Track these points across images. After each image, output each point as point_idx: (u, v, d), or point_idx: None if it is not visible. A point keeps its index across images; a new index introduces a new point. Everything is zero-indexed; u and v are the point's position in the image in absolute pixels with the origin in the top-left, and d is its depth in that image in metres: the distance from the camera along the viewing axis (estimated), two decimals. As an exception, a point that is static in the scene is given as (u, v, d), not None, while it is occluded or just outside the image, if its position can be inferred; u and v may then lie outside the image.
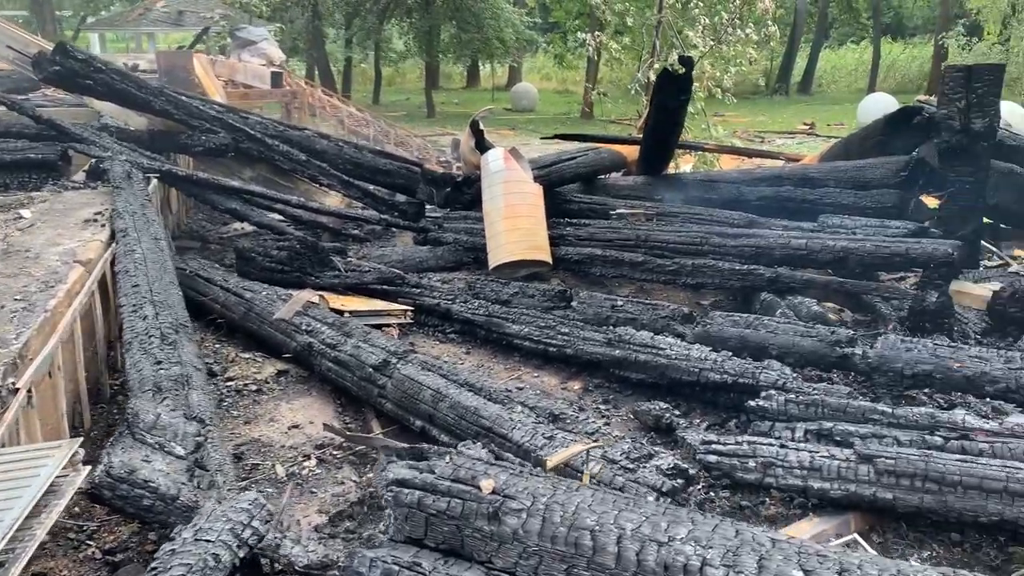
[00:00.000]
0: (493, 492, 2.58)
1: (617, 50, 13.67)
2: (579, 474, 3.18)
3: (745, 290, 6.29)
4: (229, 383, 4.85)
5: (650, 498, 2.87)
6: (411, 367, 4.28)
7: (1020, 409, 4.09)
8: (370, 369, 4.40)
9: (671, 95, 7.67)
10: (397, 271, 6.46)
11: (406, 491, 2.65)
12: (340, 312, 5.65)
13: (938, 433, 3.41)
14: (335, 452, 4.07)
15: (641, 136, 8.97)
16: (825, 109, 31.31)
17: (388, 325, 5.79)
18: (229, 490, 3.11)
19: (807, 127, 25.31)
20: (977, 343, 5.73)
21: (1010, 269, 6.70)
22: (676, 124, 8.08)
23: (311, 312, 5.25)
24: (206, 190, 7.94)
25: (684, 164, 12.97)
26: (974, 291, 6.32)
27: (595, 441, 3.38)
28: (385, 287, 6.30)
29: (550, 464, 2.95)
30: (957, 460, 3.08)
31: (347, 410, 4.65)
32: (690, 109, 12.50)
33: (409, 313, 5.94)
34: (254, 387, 4.80)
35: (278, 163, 8.99)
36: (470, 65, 41.27)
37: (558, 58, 33.68)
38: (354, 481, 3.82)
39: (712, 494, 3.61)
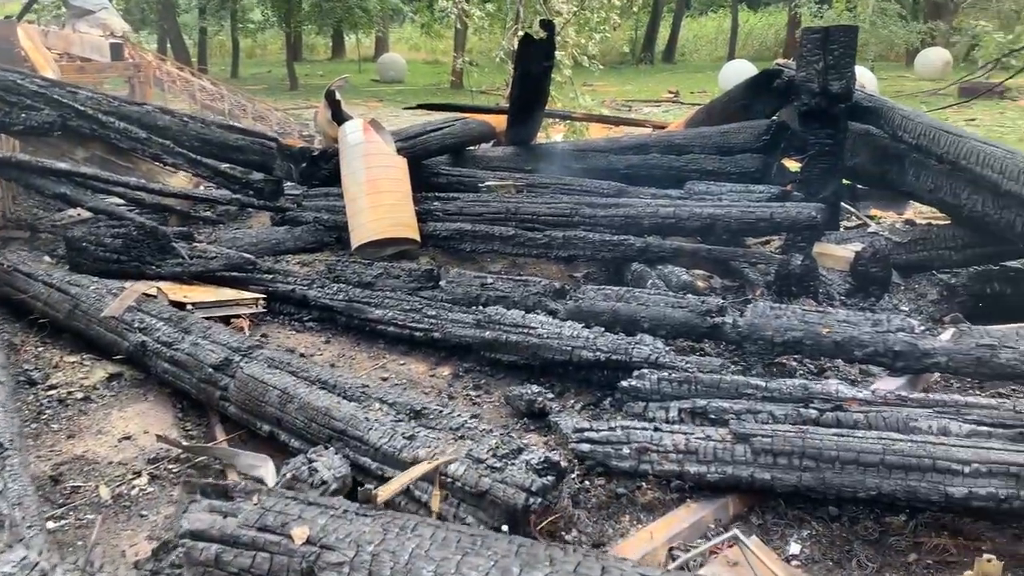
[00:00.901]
0: (307, 542, 2.18)
1: (480, 18, 13.32)
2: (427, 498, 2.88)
3: (616, 261, 6.15)
4: (51, 392, 4.29)
5: (504, 528, 2.60)
6: (256, 365, 3.86)
7: (887, 372, 4.08)
8: (210, 369, 3.95)
9: (534, 61, 7.41)
10: (248, 256, 5.95)
11: (201, 545, 2.25)
12: (182, 305, 5.13)
13: (812, 405, 3.31)
14: (171, 466, 3.62)
15: (508, 105, 8.68)
16: (688, 77, 32.07)
17: (238, 316, 5.32)
18: (30, 528, 2.64)
19: (672, 95, 25.81)
20: (842, 304, 5.81)
21: (869, 229, 6.83)
22: (541, 91, 7.83)
23: (146, 307, 4.72)
24: (29, 174, 7.12)
25: (554, 134, 12.83)
26: (836, 252, 6.40)
27: (457, 442, 3.09)
28: (234, 274, 5.79)
29: (381, 498, 2.61)
30: (833, 435, 2.97)
31: (189, 416, 4.18)
32: (557, 78, 12.37)
33: (261, 302, 5.48)
34: (80, 395, 4.26)
35: (115, 142, 8.20)
36: (334, 35, 39.98)
37: (425, 27, 32.98)
38: (193, 498, 3.39)
39: (587, 483, 3.41)
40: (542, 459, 2.98)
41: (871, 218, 8.41)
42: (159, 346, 4.32)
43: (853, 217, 8.28)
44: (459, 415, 3.33)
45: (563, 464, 3.09)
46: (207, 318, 5.15)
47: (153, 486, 3.49)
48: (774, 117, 7.63)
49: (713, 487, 3.09)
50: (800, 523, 3.13)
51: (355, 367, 4.80)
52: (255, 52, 45.28)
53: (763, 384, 3.48)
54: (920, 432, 3.12)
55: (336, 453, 3.28)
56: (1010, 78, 13.04)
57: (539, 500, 2.76)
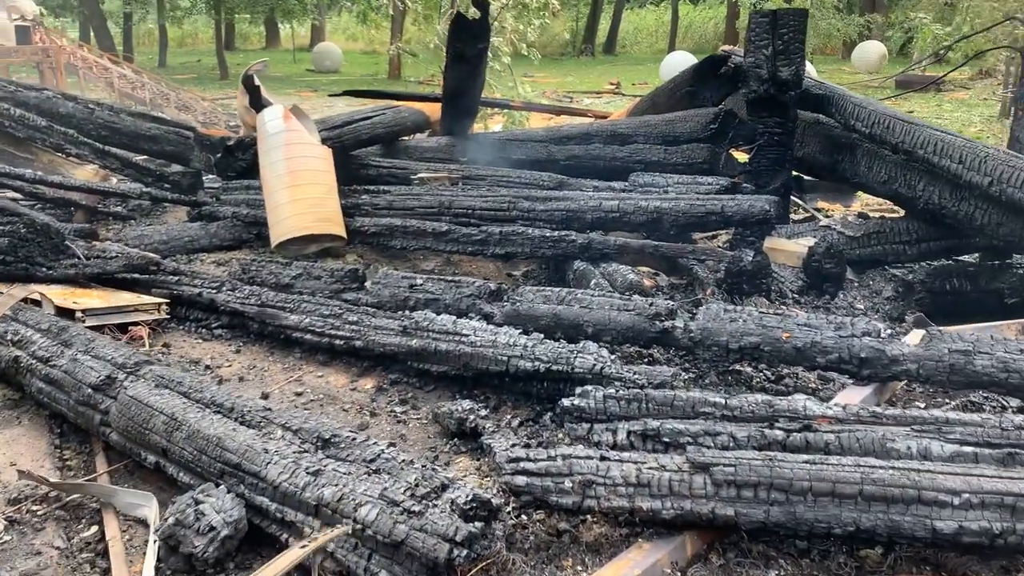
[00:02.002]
0: None
1: (416, 2, 12.78)
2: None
3: (557, 258, 5.73)
4: (-95, 417, 3.69)
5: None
6: (141, 385, 3.32)
7: (853, 380, 3.74)
8: (89, 390, 3.40)
9: (468, 43, 6.95)
10: (151, 255, 5.36)
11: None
12: (72, 312, 4.54)
13: (777, 425, 2.92)
14: (35, 507, 3.07)
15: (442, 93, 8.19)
16: (630, 69, 31.94)
17: (136, 324, 4.74)
18: None
19: (613, 86, 25.63)
20: (795, 303, 5.49)
21: (821, 223, 6.55)
22: (476, 76, 7.37)
23: (23, 316, 4.13)
24: (-94, 165, 6.40)
25: (493, 125, 12.38)
26: (788, 248, 6.09)
27: (370, 477, 2.61)
28: (136, 276, 5.21)
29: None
30: (805, 463, 2.58)
31: (68, 443, 3.62)
32: (495, 66, 11.91)
33: (164, 307, 4.91)
34: (-60, 421, 3.67)
35: (9, 130, 7.49)
36: (268, 24, 38.86)
37: (362, 16, 32.14)
38: (57, 548, 2.86)
39: (524, 518, 2.97)
40: (470, 498, 2.53)
41: (818, 211, 8.16)
42: (34, 362, 3.74)
43: (800, 210, 8.01)
44: (374, 444, 2.86)
45: (495, 501, 2.64)
46: (99, 327, 4.59)
47: (12, 532, 2.94)
48: (721, 105, 7.29)
49: (669, 524, 2.68)
50: (767, 561, 2.74)
51: (266, 380, 4.28)
52: (185, 41, 43.86)
53: (722, 401, 3.08)
54: (899, 455, 2.76)
55: (228, 492, 2.78)
56: (952, 71, 13.02)
57: (465, 552, 2.31)
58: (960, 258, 6.11)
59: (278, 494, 2.68)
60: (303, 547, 2.38)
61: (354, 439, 2.88)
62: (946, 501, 2.47)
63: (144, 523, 2.98)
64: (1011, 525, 2.43)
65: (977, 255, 6.10)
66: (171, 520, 2.70)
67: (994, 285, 5.07)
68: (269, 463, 2.75)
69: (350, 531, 2.43)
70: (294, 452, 2.81)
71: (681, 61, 23.45)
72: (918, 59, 19.29)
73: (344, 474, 2.67)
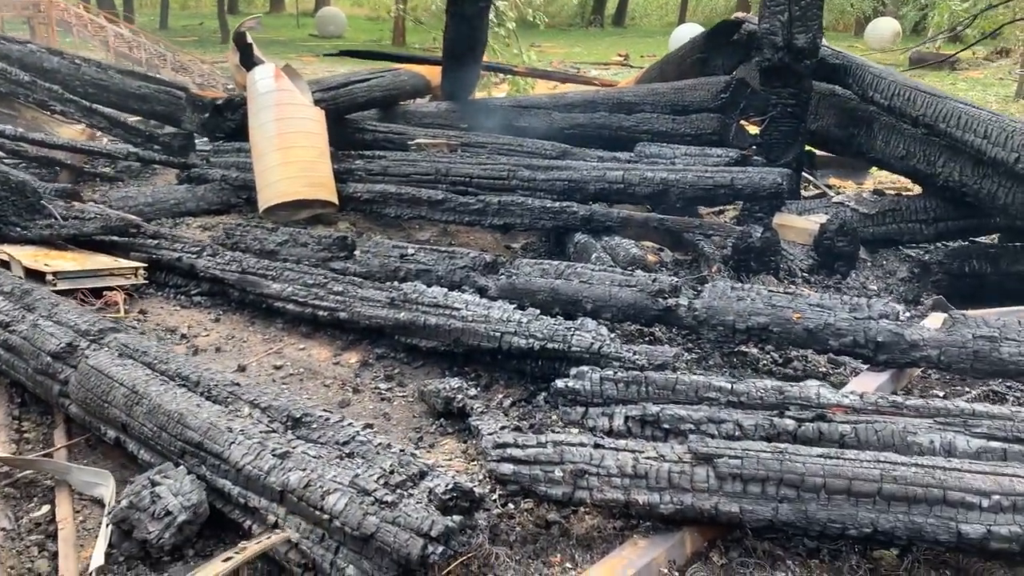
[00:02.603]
0: None
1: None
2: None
3: (558, 230, 5.47)
4: None
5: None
6: (104, 354, 3.09)
7: (868, 366, 3.50)
8: (48, 358, 3.17)
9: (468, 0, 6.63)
10: (131, 217, 5.13)
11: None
12: (42, 275, 4.31)
13: (788, 414, 2.68)
14: (-16, 484, 2.85)
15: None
16: (639, 41, 31.45)
17: (111, 289, 4.51)
18: None
19: (621, 58, 25.23)
20: (805, 282, 5.24)
21: (834, 199, 6.28)
22: (477, 36, 7.05)
23: (-12, 278, 3.89)
24: None
25: (498, 94, 12.06)
26: (799, 224, 5.82)
27: (342, 462, 2.38)
28: (114, 238, 4.96)
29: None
30: (819, 456, 2.34)
31: (29, 414, 3.39)
32: (500, 31, 11.57)
33: (141, 272, 4.66)
34: None
35: (-10, 85, 7.21)
36: (272, -12, 38.37)
37: (367, -19, 31.59)
38: (2, 529, 2.64)
39: (511, 507, 2.75)
40: (450, 487, 2.30)
41: (830, 187, 7.88)
42: (-6, 327, 3.50)
43: (811, 187, 7.73)
44: (349, 425, 2.62)
45: (479, 491, 2.41)
46: (71, 291, 4.36)
47: (-43, 511, 2.72)
48: (733, 74, 6.98)
49: (667, 519, 2.45)
50: (773, 561, 2.51)
51: (244, 352, 4.05)
52: (188, 4, 43.34)
53: (728, 386, 2.84)
54: (921, 449, 2.53)
55: (189, 473, 2.55)
56: (968, 48, 12.65)
57: (440, 549, 2.09)
58: (978, 240, 5.85)
59: (241, 477, 2.46)
60: (226, 560, 2.14)
61: (327, 419, 2.65)
62: (973, 503, 2.24)
63: (101, 503, 2.76)
64: (1045, 531, 2.20)
65: (996, 236, 5.84)
66: (125, 503, 2.48)
67: (1016, 268, 4.82)
68: (233, 443, 2.52)
69: (292, 539, 2.20)
70: (261, 432, 2.57)
71: (691, 34, 22.94)
72: (933, 35, 18.85)
73: (314, 457, 2.44)
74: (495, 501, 2.74)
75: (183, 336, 4.21)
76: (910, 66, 18.42)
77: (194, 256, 4.67)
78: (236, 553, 2.17)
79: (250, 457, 2.46)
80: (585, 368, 3.04)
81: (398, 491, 2.24)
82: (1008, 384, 3.65)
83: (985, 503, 2.24)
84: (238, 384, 2.88)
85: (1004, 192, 4.87)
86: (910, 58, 19.38)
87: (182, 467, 2.57)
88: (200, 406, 2.73)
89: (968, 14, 12.29)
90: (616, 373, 2.97)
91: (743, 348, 4.06)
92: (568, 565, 2.47)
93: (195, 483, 2.51)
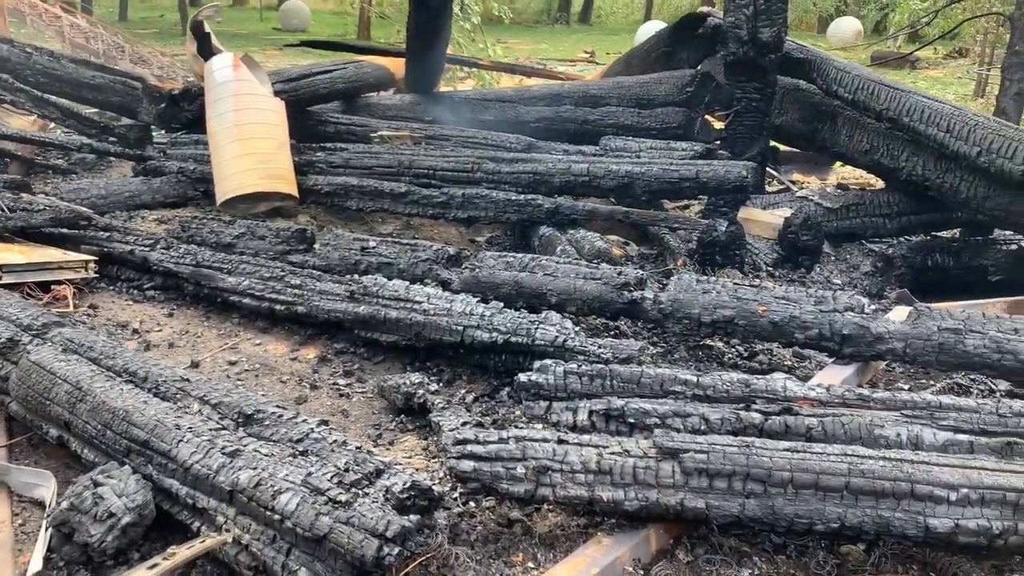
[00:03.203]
0: None
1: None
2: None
3: (523, 223, 5.40)
4: None
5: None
6: (46, 350, 2.95)
7: (833, 359, 3.47)
8: (-13, 354, 3.02)
9: (432, -10, 6.52)
10: (81, 209, 4.94)
11: None
12: (-14, 268, 4.14)
13: (755, 407, 2.63)
14: (-84, 487, 2.71)
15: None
16: (605, 39, 31.47)
17: (60, 282, 4.35)
18: None
19: (588, 55, 25.22)
20: (769, 275, 5.23)
21: (798, 193, 6.28)
22: (440, 27, 6.93)
23: (-75, 271, 3.72)
24: None
25: (463, 87, 11.95)
26: (764, 218, 5.81)
27: (295, 460, 2.29)
28: (63, 231, 4.79)
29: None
30: (785, 450, 2.29)
31: (-30, 411, 3.24)
32: (466, 25, 11.46)
33: (92, 265, 4.50)
34: None
35: (-66, 73, 6.95)
36: (235, -20, 37.81)
37: (332, -25, 31.21)
38: (-66, 536, 2.50)
39: (472, 505, 2.67)
40: (407, 485, 2.22)
41: (794, 183, 7.90)
42: (-69, 322, 3.34)
43: (776, 182, 7.75)
44: (303, 421, 2.53)
45: (438, 489, 2.33)
46: (17, 285, 4.19)
47: None
48: (698, 68, 6.96)
49: (632, 516, 2.39)
50: (739, 558, 2.46)
51: (199, 347, 3.92)
52: (149, -5, 42.55)
53: (694, 379, 2.79)
54: (888, 442, 2.49)
55: (134, 473, 2.44)
56: (926, 45, 12.82)
57: (397, 550, 2.00)
58: (940, 234, 5.89)
59: (189, 476, 2.35)
60: (152, 567, 2.04)
61: (280, 416, 2.55)
62: (941, 496, 2.21)
63: (41, 505, 2.63)
64: (1012, 524, 2.18)
65: (958, 231, 5.88)
66: (65, 504, 2.36)
67: (977, 262, 4.84)
68: (181, 441, 2.41)
69: (229, 540, 2.11)
70: (211, 429, 2.47)
71: (657, 30, 23.10)
72: (893, 33, 19.11)
73: (265, 456, 2.34)
74: (456, 499, 2.66)
75: (135, 331, 4.06)
76: (871, 64, 18.63)
77: (147, 249, 4.52)
78: (164, 559, 2.07)
79: (198, 456, 2.35)
80: (549, 362, 2.96)
81: (353, 490, 2.15)
82: (972, 377, 3.65)
83: (953, 496, 2.21)
84: (188, 380, 2.76)
85: (966, 186, 4.90)
86: (871, 56, 19.60)
87: (127, 466, 2.46)
88: (147, 403, 2.61)
89: (927, 12, 12.42)
90: (580, 367, 2.91)
91: (709, 341, 4.02)
92: (530, 565, 2.40)
93: (141, 483, 2.39)
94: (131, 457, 2.50)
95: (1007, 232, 5.33)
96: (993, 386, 3.60)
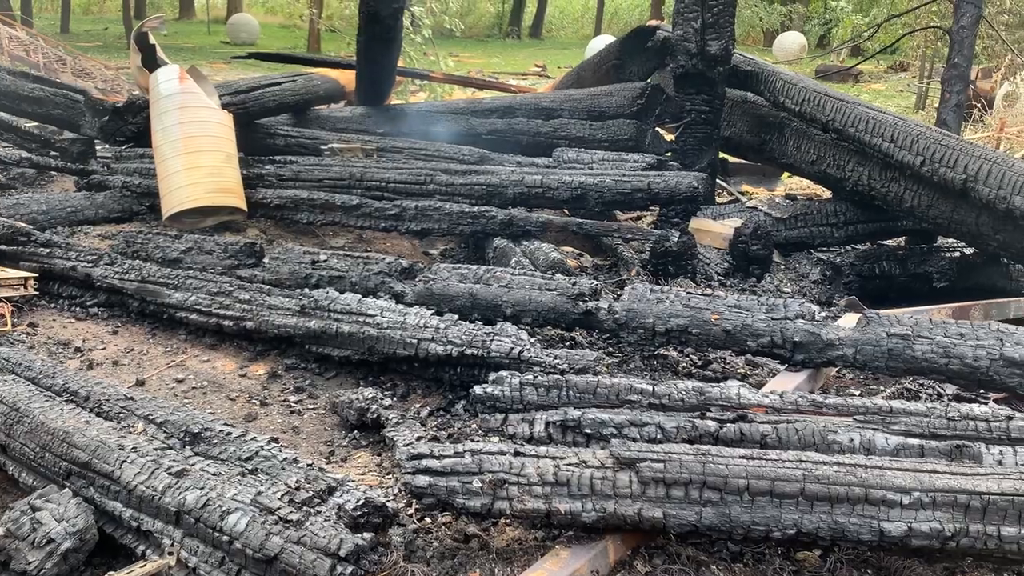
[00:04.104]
0: None
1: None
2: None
3: (477, 236, 5.37)
4: None
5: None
6: (-20, 370, 2.84)
7: (787, 367, 3.50)
8: (-83, 376, 2.89)
9: (382, 1, 6.47)
10: (20, 224, 4.79)
11: None
12: (-83, 286, 3.98)
13: (710, 415, 2.64)
14: None
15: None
16: (556, 53, 31.71)
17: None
18: None
19: (539, 69, 25.36)
20: (720, 285, 5.27)
21: (748, 204, 6.36)
22: (392, 39, 6.90)
23: None
24: None
25: (415, 100, 11.91)
26: (714, 228, 5.86)
27: (243, 479, 2.22)
28: (1, 247, 4.63)
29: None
30: (741, 458, 2.29)
31: (-103, 436, 3.09)
32: (417, 38, 11.44)
33: (32, 282, 4.36)
34: None
35: None
36: (181, -7, 37.34)
37: (281, -12, 30.97)
38: None
39: (428, 520, 2.62)
40: (361, 502, 2.17)
41: (743, 194, 8.01)
42: None
43: (725, 193, 7.85)
44: (253, 439, 2.46)
45: (392, 506, 2.29)
46: (-50, 304, 4.04)
47: None
48: (648, 80, 7.03)
49: (590, 528, 2.36)
50: (697, 567, 2.46)
51: (144, 365, 3.81)
52: (92, 8, 41.76)
53: (649, 388, 2.78)
54: (841, 448, 2.51)
55: (75, 496, 2.34)
56: (868, 58, 13.16)
57: (350, 569, 1.95)
58: (885, 242, 6.01)
59: (133, 498, 2.27)
60: None
61: (229, 434, 2.48)
62: (895, 500, 2.22)
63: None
64: (963, 526, 2.20)
65: (903, 239, 6.00)
66: (1, 531, 2.26)
67: (923, 269, 4.95)
68: (124, 462, 2.33)
69: (172, 563, 2.04)
70: (156, 449, 2.39)
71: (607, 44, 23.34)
72: (836, 47, 19.58)
73: (213, 475, 2.27)
74: (411, 515, 2.62)
75: (77, 350, 3.94)
76: (816, 78, 19.05)
77: (90, 265, 4.40)
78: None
79: (143, 476, 2.27)
80: (504, 373, 2.94)
81: (304, 508, 2.10)
82: (920, 382, 3.71)
83: (906, 500, 2.22)
84: (132, 399, 2.68)
85: (910, 195, 5.00)
86: (816, 70, 20.04)
87: (67, 490, 2.36)
88: (89, 423, 2.52)
89: (868, 27, 12.75)
90: (536, 378, 2.88)
91: (663, 351, 4.03)
92: (488, 579, 2.36)
93: (82, 506, 2.30)
94: (72, 480, 2.40)
95: (950, 240, 5.45)
96: (941, 390, 3.67)
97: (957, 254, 5.07)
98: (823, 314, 3.53)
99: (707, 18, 5.90)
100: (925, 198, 4.92)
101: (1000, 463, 2.48)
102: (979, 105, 12.40)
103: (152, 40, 6.64)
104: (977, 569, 2.52)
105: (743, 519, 2.27)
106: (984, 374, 3.17)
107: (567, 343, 4.10)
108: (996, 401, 3.50)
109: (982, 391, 3.54)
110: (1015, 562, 2.34)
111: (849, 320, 3.68)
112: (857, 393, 3.70)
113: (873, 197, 5.32)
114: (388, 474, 2.93)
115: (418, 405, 3.52)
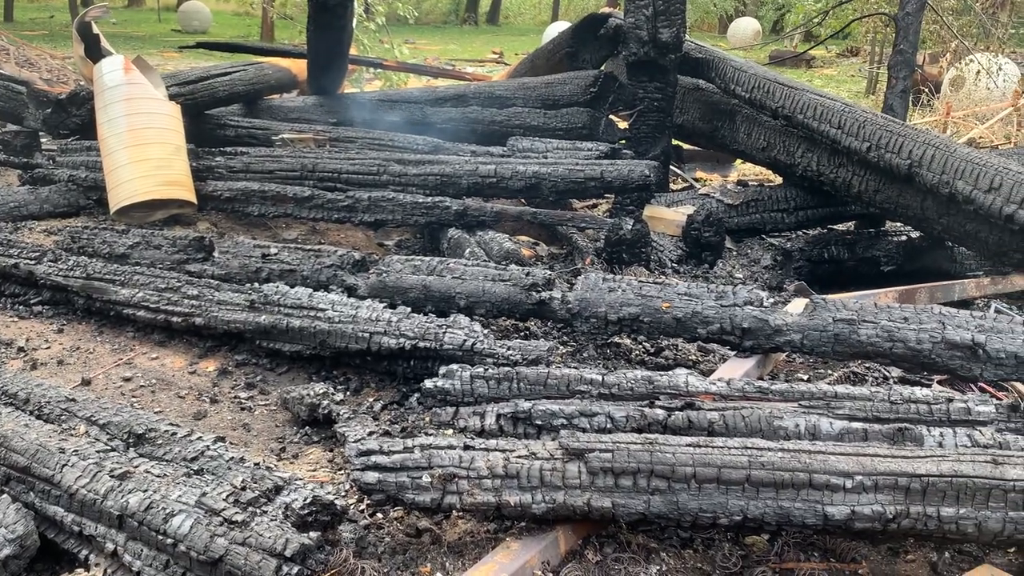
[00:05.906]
0: None
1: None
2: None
3: (431, 226, 5.34)
4: None
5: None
6: (-85, 374, 2.76)
7: (736, 353, 3.54)
8: None
9: (331, -10, 6.39)
10: (-41, 222, 4.66)
11: None
12: None
13: (658, 403, 2.66)
14: None
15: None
16: (513, 39, 31.62)
17: (-65, 301, 4.08)
18: None
19: (496, 56, 25.27)
20: (674, 272, 5.32)
21: (700, 191, 6.41)
22: (341, 28, 6.80)
23: None
24: None
25: (370, 88, 11.79)
26: (668, 216, 5.90)
27: (190, 479, 2.19)
28: (-61, 246, 4.51)
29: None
30: (688, 446, 2.32)
31: None
32: (371, 26, 11.31)
33: (-29, 281, 4.25)
34: None
35: None
36: (129, -21, 36.49)
37: (232, -25, 30.43)
38: None
39: (380, 515, 2.61)
40: (308, 501, 2.15)
41: (697, 181, 8.08)
42: None
43: (679, 180, 7.91)
44: (198, 438, 2.42)
45: (341, 503, 2.27)
46: None
47: None
48: (601, 68, 7.04)
49: (540, 519, 2.37)
50: (647, 555, 2.48)
51: (91, 364, 3.74)
52: (37, -5, 40.65)
53: (599, 378, 2.80)
54: (787, 433, 2.55)
55: (14, 502, 2.29)
56: (819, 44, 13.33)
57: (296, 569, 1.93)
58: (834, 227, 6.10)
59: (75, 503, 2.22)
60: None
61: (174, 433, 2.44)
62: (838, 484, 2.26)
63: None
64: (904, 508, 2.25)
65: (852, 223, 6.10)
66: (-63, 540, 2.20)
67: (871, 253, 5.03)
68: (65, 465, 2.28)
69: (133, 567, 2.01)
70: (98, 451, 2.34)
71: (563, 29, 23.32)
72: (789, 33, 19.80)
73: (157, 477, 2.23)
74: (362, 512, 2.60)
75: (20, 350, 3.85)
76: (770, 63, 19.26)
77: (33, 262, 4.29)
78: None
79: (85, 480, 2.23)
80: (455, 367, 2.93)
81: (250, 509, 2.08)
82: (867, 365, 3.78)
83: (848, 484, 2.27)
84: (74, 400, 2.62)
85: (858, 180, 5.08)
86: (770, 56, 20.25)
87: (6, 495, 2.31)
88: (29, 426, 2.46)
89: (819, 12, 12.90)
90: (487, 370, 2.88)
91: (616, 339, 4.05)
92: (439, 575, 2.36)
93: (21, 512, 2.25)
94: (10, 485, 2.35)
95: (897, 224, 5.55)
96: (887, 373, 3.75)
97: (904, 238, 5.16)
98: (772, 300, 3.58)
99: (658, 6, 5.92)
100: (872, 183, 5.00)
101: (940, 445, 2.54)
102: (927, 90, 12.62)
103: (96, 29, 6.48)
104: (919, 548, 2.59)
105: (691, 506, 2.29)
106: (927, 357, 3.24)
107: (521, 334, 4.11)
108: (939, 383, 3.58)
109: (925, 373, 3.61)
110: (954, 541, 2.41)
111: (797, 305, 3.73)
112: (806, 378, 3.76)
113: (822, 183, 5.39)
114: (340, 470, 2.91)
115: (371, 399, 3.50)
